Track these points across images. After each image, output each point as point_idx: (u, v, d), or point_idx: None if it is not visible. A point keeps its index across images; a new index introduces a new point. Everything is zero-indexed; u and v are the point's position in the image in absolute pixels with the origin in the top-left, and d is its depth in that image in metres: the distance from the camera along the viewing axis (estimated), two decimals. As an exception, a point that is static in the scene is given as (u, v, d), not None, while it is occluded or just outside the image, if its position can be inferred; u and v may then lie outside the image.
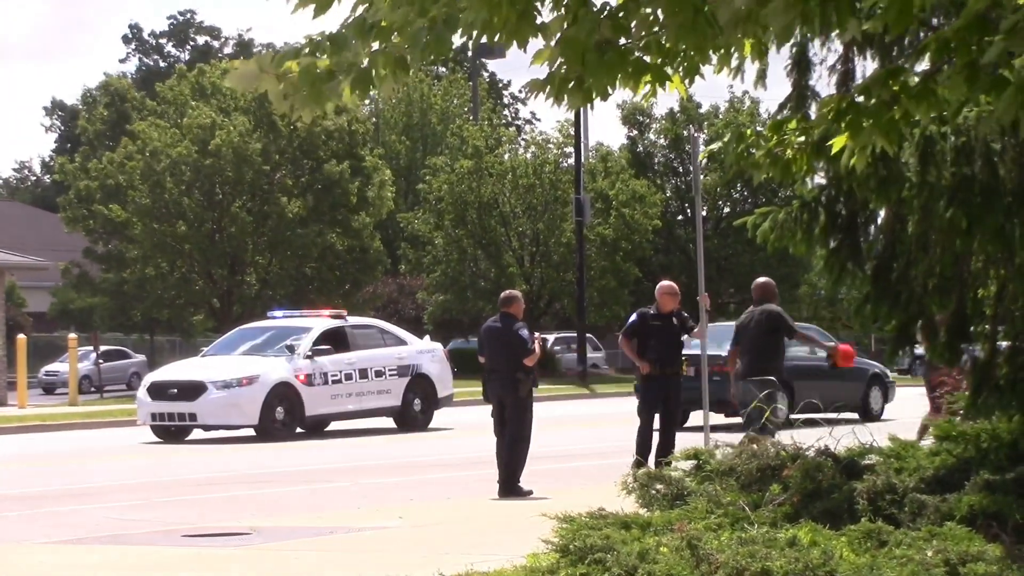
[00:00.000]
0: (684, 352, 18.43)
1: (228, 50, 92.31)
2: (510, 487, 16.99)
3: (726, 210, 55.00)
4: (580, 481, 19.23)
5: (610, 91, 6.97)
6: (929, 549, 8.39)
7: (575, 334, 48.90)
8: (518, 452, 16.91)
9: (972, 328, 10.72)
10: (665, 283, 17.96)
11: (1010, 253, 10.20)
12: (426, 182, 51.15)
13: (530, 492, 16.80)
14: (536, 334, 17.94)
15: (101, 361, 48.29)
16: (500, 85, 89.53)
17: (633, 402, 36.99)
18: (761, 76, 9.75)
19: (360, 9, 6.10)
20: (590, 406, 39.54)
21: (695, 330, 18.29)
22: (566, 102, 6.67)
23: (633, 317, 18.23)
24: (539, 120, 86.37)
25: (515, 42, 6.26)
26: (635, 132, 55.31)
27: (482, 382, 17.26)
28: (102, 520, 16.73)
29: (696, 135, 21.12)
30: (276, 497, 19.47)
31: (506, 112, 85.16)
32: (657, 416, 17.67)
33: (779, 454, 10.44)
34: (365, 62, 5.99)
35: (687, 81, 6.97)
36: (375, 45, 6.20)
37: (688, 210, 55.07)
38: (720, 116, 53.94)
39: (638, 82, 6.69)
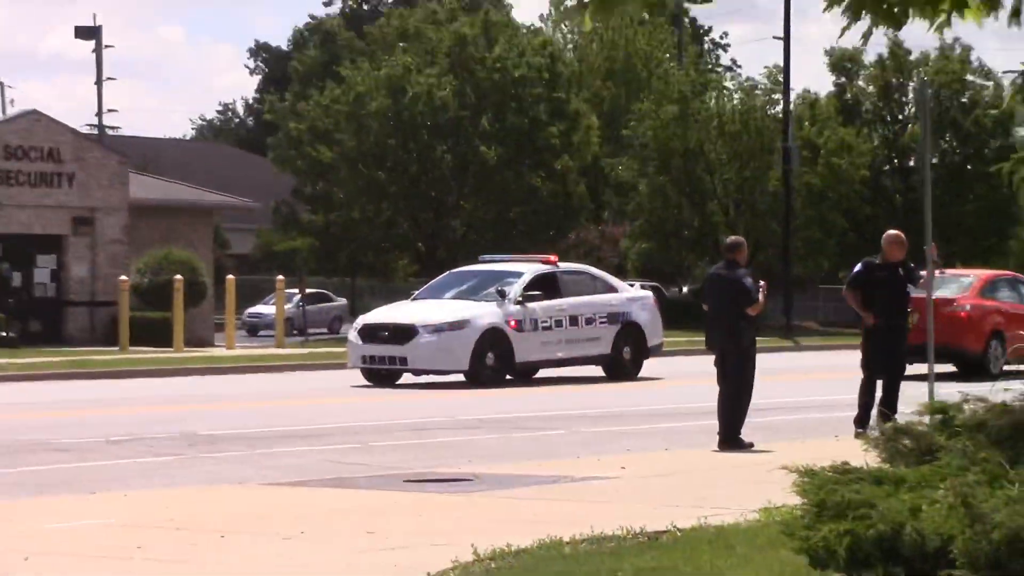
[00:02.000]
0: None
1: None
2: (731, 439, 16.54)
3: (935, 159, 53.61)
4: (798, 434, 18.88)
5: (905, 18, 6.53)
6: None
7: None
8: (740, 403, 16.46)
9: None
10: (892, 232, 17.24)
11: None
12: (631, 128, 50.43)
13: (751, 445, 16.41)
14: (761, 282, 17.44)
15: (304, 304, 48.62)
16: (701, 31, 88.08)
17: (840, 356, 36.82)
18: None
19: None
20: (796, 359, 38.91)
21: (922, 280, 17.70)
22: (862, 23, 6.17)
23: (858, 267, 17.61)
24: (739, 67, 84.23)
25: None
26: (843, 79, 53.80)
27: (705, 330, 16.86)
28: (320, 462, 16.79)
29: (926, 80, 20.48)
30: (492, 443, 19.35)
31: (707, 60, 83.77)
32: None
33: (1032, 409, 9.93)
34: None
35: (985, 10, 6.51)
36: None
37: (895, 160, 53.71)
38: (930, 64, 52.33)
39: (936, 8, 6.24)
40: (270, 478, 15.15)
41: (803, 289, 56.58)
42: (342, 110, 46.04)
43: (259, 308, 55.05)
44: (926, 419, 11.26)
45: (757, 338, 17.73)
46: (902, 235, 17.17)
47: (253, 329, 54.14)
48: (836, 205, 49.02)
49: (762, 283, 17.53)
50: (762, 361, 35.55)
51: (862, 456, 11.73)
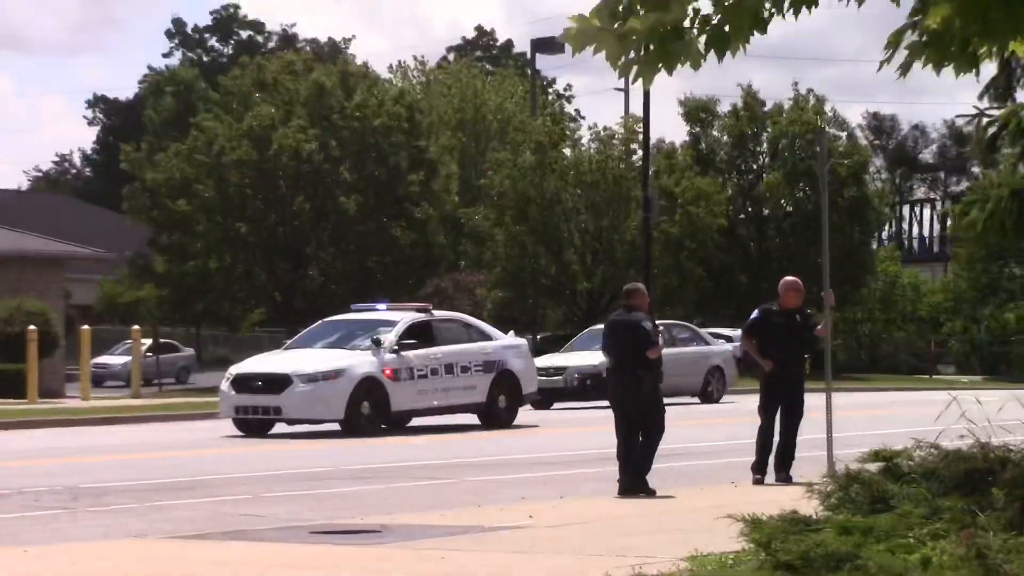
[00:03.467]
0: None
1: (272, 44, 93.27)
2: (637, 483, 16.35)
3: (789, 208, 55.01)
4: (689, 480, 19.08)
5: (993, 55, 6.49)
6: None
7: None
8: (651, 447, 16.57)
9: None
10: (789, 279, 17.51)
11: None
12: (487, 177, 50.88)
13: (654, 491, 16.23)
14: (660, 327, 17.60)
15: (151, 355, 48.70)
16: (546, 83, 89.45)
17: (723, 404, 38.25)
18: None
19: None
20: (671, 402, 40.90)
21: (819, 327, 18.00)
22: (951, 66, 6.11)
23: (755, 314, 17.85)
24: (583, 118, 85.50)
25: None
26: (697, 128, 55.07)
27: (607, 379, 16.96)
28: (215, 514, 16.40)
29: (821, 128, 20.90)
30: (386, 493, 19.16)
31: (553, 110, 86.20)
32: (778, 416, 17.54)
33: (987, 457, 10.03)
34: (717, 18, 5.59)
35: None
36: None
37: (750, 209, 55.09)
38: (784, 114, 53.65)
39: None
40: (167, 531, 14.84)
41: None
42: (202, 160, 46.08)
43: (105, 359, 54.75)
44: (870, 466, 11.32)
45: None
46: (799, 281, 17.44)
47: (99, 380, 53.56)
48: (693, 254, 49.93)
49: (661, 327, 17.67)
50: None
51: (773, 501, 12.47)
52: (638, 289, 16.81)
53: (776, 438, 17.77)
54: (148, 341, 48.22)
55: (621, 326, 16.58)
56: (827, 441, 18.36)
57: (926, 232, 79.18)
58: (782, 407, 17.45)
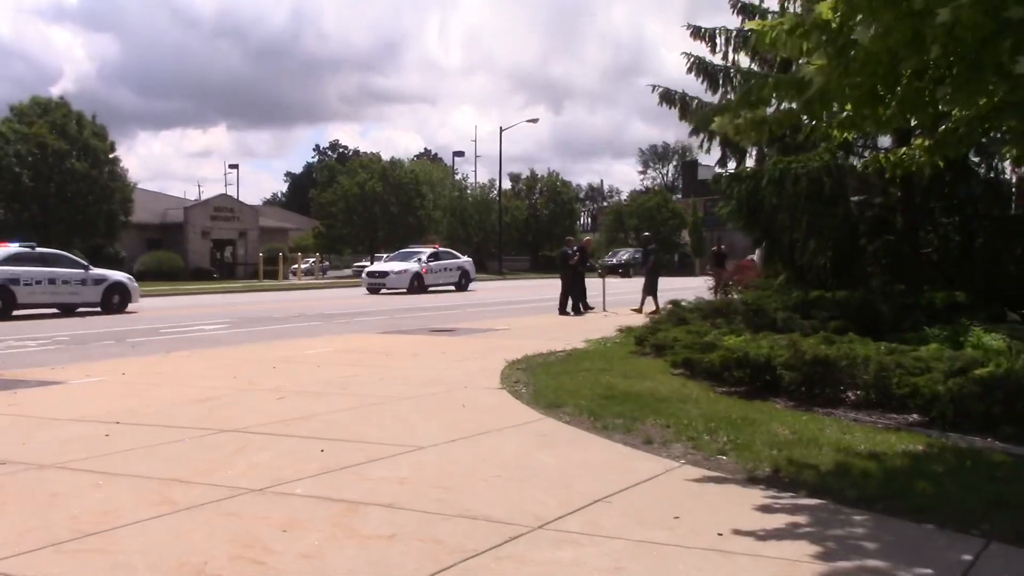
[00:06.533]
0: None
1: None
2: (561, 310, 33.76)
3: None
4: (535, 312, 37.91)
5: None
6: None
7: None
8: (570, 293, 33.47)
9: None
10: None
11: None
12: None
13: (568, 314, 31.77)
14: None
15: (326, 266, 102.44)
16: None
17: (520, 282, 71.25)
18: None
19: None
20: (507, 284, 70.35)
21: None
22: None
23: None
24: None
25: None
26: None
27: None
28: (384, 323, 28.46)
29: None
30: (447, 316, 32.46)
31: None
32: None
33: (722, 302, 21.00)
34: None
35: None
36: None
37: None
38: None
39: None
40: (367, 330, 25.82)
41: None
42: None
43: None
44: (667, 307, 23.43)
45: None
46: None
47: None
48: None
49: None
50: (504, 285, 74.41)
51: (637, 321, 27.27)
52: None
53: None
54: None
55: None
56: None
57: None
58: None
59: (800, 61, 9.54)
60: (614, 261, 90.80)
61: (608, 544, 8.02)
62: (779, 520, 8.65)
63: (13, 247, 38.87)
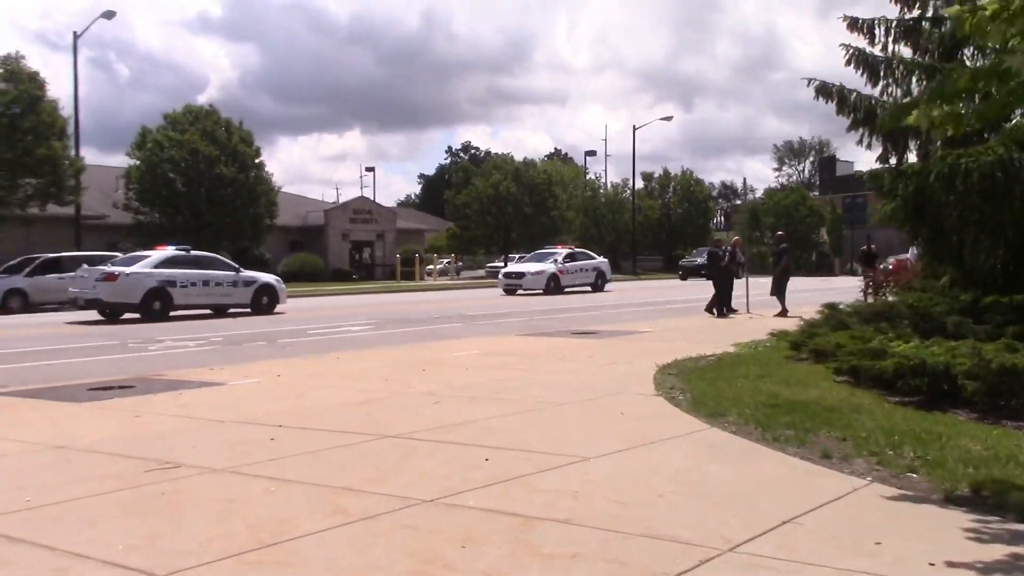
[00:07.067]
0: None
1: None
2: (709, 309, 34.40)
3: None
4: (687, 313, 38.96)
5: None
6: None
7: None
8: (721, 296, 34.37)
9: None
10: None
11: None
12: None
13: (721, 315, 32.08)
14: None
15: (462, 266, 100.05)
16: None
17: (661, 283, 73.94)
18: None
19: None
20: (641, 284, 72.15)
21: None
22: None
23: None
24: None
25: None
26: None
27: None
28: (521, 324, 29.07)
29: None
30: (583, 318, 33.16)
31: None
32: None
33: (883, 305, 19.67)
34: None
35: None
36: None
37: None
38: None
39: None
40: (510, 331, 26.53)
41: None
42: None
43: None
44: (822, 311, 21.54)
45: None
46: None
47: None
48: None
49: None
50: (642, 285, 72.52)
51: (788, 324, 25.91)
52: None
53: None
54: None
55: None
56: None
57: None
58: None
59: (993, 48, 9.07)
60: (698, 262, 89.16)
61: (808, 572, 7.60)
62: (996, 551, 8.06)
63: (169, 250, 40.76)
